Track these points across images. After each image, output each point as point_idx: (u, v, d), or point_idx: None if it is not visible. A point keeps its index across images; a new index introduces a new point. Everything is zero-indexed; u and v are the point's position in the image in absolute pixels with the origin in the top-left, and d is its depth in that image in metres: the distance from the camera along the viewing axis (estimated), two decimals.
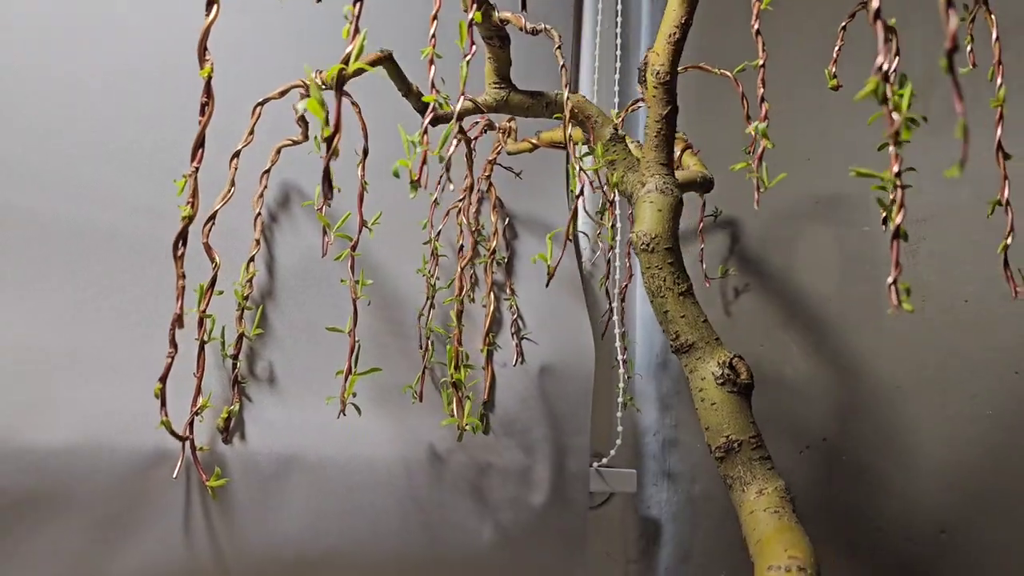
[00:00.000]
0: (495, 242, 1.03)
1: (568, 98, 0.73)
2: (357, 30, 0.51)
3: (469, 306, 1.02)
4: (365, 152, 0.73)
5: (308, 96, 0.79)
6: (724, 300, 1.25)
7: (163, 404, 0.60)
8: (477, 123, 0.94)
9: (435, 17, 0.57)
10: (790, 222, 1.18)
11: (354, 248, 0.74)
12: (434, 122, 0.78)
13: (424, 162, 0.57)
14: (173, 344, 0.57)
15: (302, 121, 0.81)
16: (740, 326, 1.21)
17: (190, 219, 0.54)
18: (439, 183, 0.93)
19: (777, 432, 1.14)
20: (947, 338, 1.01)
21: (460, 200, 0.87)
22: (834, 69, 0.76)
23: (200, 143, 0.55)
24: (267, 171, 0.80)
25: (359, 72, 0.78)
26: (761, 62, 0.55)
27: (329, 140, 0.50)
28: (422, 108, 0.77)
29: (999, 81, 0.59)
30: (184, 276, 0.54)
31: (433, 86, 0.67)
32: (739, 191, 1.07)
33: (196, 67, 0.56)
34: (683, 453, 1.26)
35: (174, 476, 0.67)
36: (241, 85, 0.81)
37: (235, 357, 0.76)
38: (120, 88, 0.75)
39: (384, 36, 0.74)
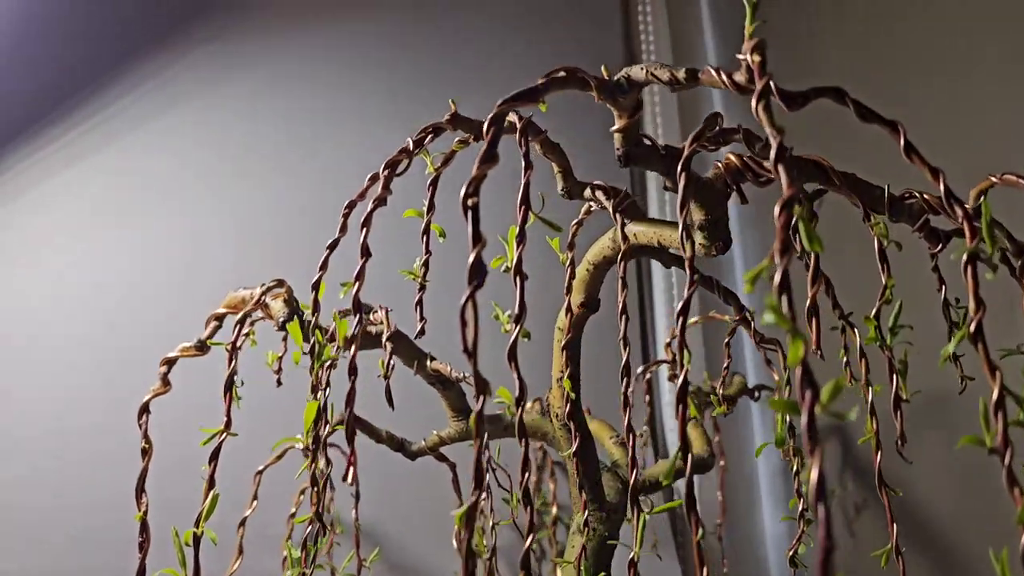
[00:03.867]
0: (555, 509, 1.04)
1: (515, 419, 0.76)
2: (212, 484, 0.59)
3: None
4: (356, 497, 0.79)
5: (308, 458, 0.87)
6: (846, 517, 1.13)
7: None
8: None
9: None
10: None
11: None
12: (412, 457, 0.84)
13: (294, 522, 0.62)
14: None
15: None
16: (864, 547, 1.09)
17: None
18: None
19: None
20: None
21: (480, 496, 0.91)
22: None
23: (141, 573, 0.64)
24: (292, 515, 0.90)
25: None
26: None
27: None
28: (398, 446, 0.84)
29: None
30: None
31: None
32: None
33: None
34: None
35: None
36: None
37: None
38: None
39: None
